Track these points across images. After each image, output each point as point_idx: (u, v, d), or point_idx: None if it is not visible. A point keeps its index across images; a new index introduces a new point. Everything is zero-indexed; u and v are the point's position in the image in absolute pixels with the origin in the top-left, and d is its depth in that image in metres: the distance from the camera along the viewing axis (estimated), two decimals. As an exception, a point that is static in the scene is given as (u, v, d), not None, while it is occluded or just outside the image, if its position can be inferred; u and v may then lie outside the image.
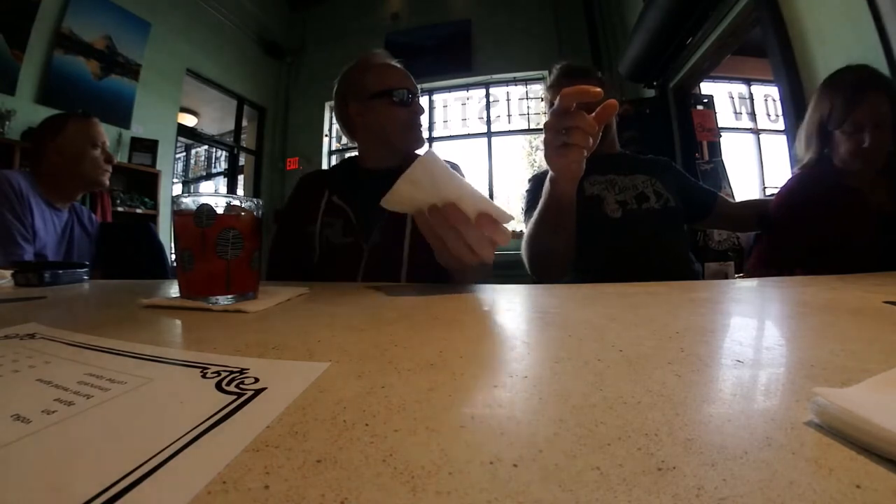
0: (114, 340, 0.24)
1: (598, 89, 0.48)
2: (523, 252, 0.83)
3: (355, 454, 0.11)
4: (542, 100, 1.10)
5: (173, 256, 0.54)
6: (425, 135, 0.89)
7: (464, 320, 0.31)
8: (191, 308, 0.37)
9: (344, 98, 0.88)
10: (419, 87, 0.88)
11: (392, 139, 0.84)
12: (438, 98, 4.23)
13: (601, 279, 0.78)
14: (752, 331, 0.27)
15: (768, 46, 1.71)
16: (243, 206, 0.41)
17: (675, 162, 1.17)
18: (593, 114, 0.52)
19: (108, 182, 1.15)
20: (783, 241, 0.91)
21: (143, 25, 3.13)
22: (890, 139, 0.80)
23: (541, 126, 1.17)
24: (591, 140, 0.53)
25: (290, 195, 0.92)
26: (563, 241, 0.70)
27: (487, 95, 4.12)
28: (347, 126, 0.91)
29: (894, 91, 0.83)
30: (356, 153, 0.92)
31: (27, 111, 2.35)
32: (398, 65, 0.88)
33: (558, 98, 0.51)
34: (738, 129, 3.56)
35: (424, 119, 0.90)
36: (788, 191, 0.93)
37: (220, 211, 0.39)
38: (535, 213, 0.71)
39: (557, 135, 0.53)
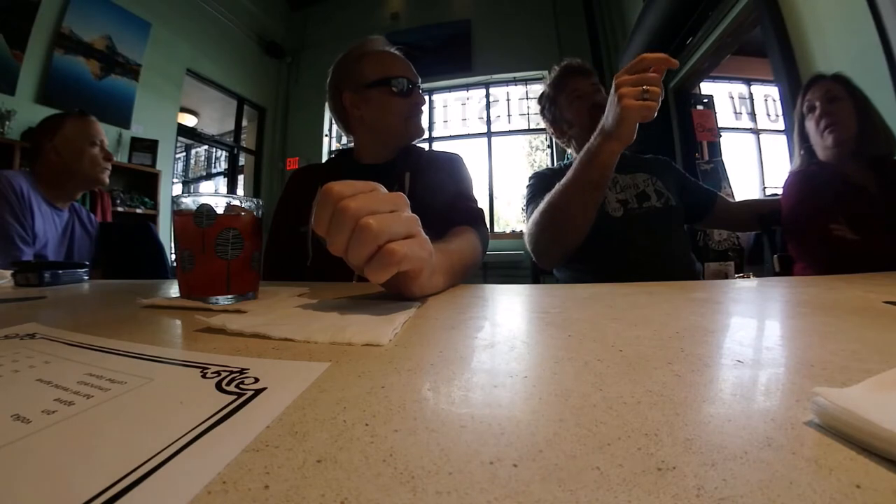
0: (114, 340, 0.24)
1: (676, 61, 0.61)
2: (532, 231, 0.82)
3: (355, 454, 0.11)
4: (541, 97, 1.09)
5: (173, 256, 0.54)
6: (424, 135, 0.87)
7: (463, 320, 0.31)
8: (191, 308, 0.37)
9: (338, 88, 0.83)
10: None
11: (392, 131, 0.80)
12: (438, 98, 4.23)
13: (601, 278, 0.78)
14: (752, 331, 0.27)
15: (768, 46, 1.71)
16: (243, 206, 0.41)
17: (674, 162, 1.17)
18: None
19: (107, 180, 1.15)
20: (800, 240, 0.94)
21: (143, 25, 3.13)
22: (847, 112, 0.89)
23: (541, 126, 1.17)
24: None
25: (282, 193, 0.88)
26: (593, 204, 0.72)
27: (487, 95, 4.12)
28: (342, 118, 0.86)
29: (855, 89, 0.91)
30: (353, 146, 0.87)
31: (27, 111, 2.35)
32: (396, 52, 0.83)
33: (638, 58, 0.61)
34: (738, 129, 3.56)
35: (424, 119, 0.87)
36: (786, 194, 0.94)
37: (220, 211, 0.39)
38: (566, 178, 0.72)
39: (638, 89, 0.60)
